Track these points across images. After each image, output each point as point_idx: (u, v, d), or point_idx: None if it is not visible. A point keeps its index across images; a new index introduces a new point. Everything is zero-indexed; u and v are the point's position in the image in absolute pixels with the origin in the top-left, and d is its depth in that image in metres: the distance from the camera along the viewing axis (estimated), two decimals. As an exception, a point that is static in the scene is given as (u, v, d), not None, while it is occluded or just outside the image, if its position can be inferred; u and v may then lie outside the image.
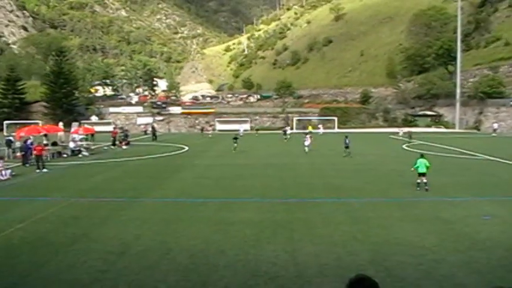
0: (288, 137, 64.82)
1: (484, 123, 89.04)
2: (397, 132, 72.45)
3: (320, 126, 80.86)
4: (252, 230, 17.72)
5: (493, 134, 74.04)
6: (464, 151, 46.36)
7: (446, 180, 30.06)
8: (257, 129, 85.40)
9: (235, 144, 47.93)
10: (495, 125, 79.51)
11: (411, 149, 50.32)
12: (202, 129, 77.80)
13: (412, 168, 25.98)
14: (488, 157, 42.12)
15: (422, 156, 26.28)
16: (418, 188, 25.43)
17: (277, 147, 54.38)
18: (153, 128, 72.37)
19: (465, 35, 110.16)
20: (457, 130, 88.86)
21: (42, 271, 13.53)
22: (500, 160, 40.25)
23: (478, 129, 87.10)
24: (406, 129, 71.59)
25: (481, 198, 23.91)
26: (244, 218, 19.57)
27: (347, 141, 42.38)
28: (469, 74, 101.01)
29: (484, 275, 13.04)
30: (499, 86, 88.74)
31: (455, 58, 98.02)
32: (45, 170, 34.36)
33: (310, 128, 59.36)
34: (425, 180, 25.34)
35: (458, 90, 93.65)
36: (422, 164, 25.40)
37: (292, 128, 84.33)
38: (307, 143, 45.87)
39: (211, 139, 64.12)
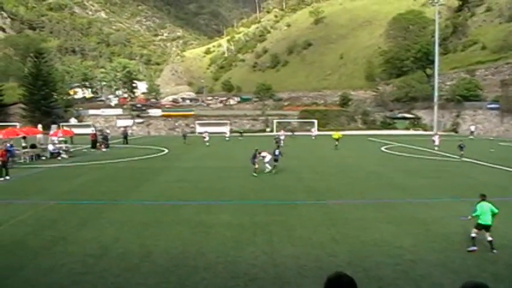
0: (281, 144, 55.56)
1: (462, 125, 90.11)
2: (433, 141, 54.37)
3: (313, 130, 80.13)
4: (232, 232, 17.82)
5: (470, 137, 74.83)
6: (442, 153, 46.86)
7: (423, 181, 30.44)
8: (241, 132, 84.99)
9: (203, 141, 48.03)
10: (472, 128, 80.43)
11: (390, 151, 50.81)
12: (184, 136, 67.93)
13: (470, 217, 16.23)
14: (466, 159, 42.66)
15: (484, 198, 16.22)
16: (474, 248, 15.53)
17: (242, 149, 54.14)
18: (125, 131, 71.27)
19: (443, 39, 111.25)
20: (435, 132, 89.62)
21: (21, 274, 13.48)
22: (477, 162, 40.81)
23: (456, 132, 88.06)
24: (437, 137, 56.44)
25: (457, 200, 24.24)
26: (224, 220, 19.66)
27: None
28: (447, 77, 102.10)
29: (459, 274, 13.29)
30: (476, 89, 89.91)
31: (433, 61, 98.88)
32: (7, 178, 32.17)
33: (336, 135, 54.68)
34: (490, 238, 15.49)
35: (436, 93, 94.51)
36: (486, 211, 15.67)
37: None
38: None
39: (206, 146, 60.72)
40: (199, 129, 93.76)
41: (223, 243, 16.29)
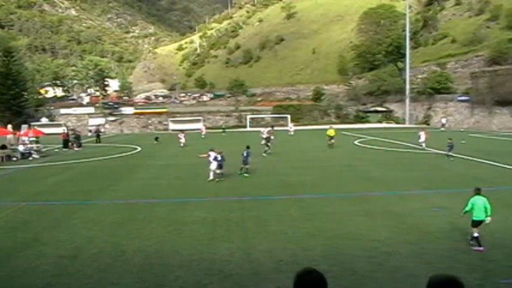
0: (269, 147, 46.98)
1: (433, 118, 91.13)
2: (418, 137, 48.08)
3: (291, 125, 79.30)
4: (206, 229, 17.71)
5: (442, 129, 75.74)
6: (414, 146, 47.24)
7: (397, 174, 30.69)
8: (224, 129, 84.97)
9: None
10: (443, 120, 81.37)
11: (363, 145, 51.11)
12: (156, 138, 63.91)
13: (462, 213, 15.51)
14: (438, 151, 43.08)
15: (478, 192, 15.40)
16: (481, 248, 14.83)
17: (237, 146, 53.80)
18: (97, 130, 70.21)
19: (414, 33, 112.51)
20: (407, 125, 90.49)
21: (-7, 277, 13.23)
22: (449, 154, 41.25)
23: (428, 124, 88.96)
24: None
25: (430, 191, 24.51)
26: (198, 218, 19.52)
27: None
28: (418, 70, 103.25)
29: (433, 265, 13.37)
30: (446, 81, 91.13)
31: (404, 55, 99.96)
32: None
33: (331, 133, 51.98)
34: (476, 234, 14.97)
35: (407, 86, 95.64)
36: (479, 206, 14.98)
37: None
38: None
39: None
40: (172, 126, 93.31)
41: (197, 241, 16.17)
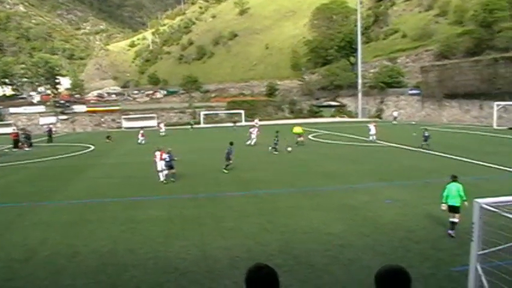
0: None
1: (385, 111, 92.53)
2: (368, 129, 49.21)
3: (256, 120, 78.04)
4: (161, 227, 17.62)
5: (394, 122, 76.96)
6: (367, 139, 47.83)
7: (350, 167, 31.04)
8: (192, 124, 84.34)
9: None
10: (395, 113, 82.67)
11: (317, 139, 51.48)
12: (108, 137, 61.71)
13: (443, 204, 15.84)
14: (390, 144, 43.80)
15: (454, 179, 16.19)
16: (452, 232, 15.50)
17: (196, 143, 53.36)
18: (49, 129, 68.38)
19: (365, 28, 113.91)
20: (359, 119, 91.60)
21: None
22: (400, 146, 42.03)
23: (380, 118, 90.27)
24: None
25: (383, 184, 24.90)
26: (153, 216, 19.38)
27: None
28: (370, 65, 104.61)
29: (387, 256, 13.64)
30: (397, 76, 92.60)
31: (356, 50, 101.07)
32: None
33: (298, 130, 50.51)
34: (456, 220, 15.46)
35: (359, 81, 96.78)
36: (454, 192, 15.69)
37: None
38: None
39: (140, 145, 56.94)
40: (125, 124, 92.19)
41: (152, 239, 16.07)
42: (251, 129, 47.55)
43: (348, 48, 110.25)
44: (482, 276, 8.76)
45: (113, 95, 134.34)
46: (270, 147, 41.23)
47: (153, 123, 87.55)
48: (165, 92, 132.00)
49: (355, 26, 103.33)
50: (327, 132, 60.40)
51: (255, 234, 16.36)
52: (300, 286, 11.86)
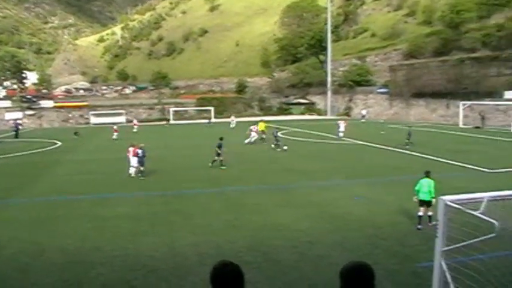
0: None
1: (354, 109, 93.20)
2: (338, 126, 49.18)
3: (233, 117, 77.09)
4: (130, 224, 17.51)
5: (362, 120, 77.61)
6: (336, 137, 48.09)
7: (319, 165, 31.26)
8: (167, 120, 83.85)
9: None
10: (364, 112, 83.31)
11: (286, 136, 51.61)
12: (76, 133, 60.13)
13: (415, 198, 16.62)
14: (358, 142, 44.20)
15: (427, 175, 17.00)
16: (420, 226, 16.07)
17: (169, 140, 52.83)
18: (16, 124, 66.87)
19: (335, 26, 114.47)
20: (328, 117, 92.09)
21: None
22: (368, 144, 42.46)
23: (349, 116, 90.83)
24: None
25: (351, 181, 25.17)
26: (121, 213, 19.25)
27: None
28: (339, 63, 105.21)
29: (354, 252, 13.79)
30: (366, 74, 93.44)
31: (326, 48, 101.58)
32: None
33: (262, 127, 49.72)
34: (430, 213, 16.16)
35: (329, 79, 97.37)
36: (425, 187, 16.47)
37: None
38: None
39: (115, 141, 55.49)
40: (94, 120, 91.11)
41: (120, 236, 15.97)
42: (251, 127, 46.70)
43: (318, 47, 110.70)
44: (447, 272, 8.91)
45: (81, 91, 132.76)
46: (272, 144, 41.34)
47: (121, 119, 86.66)
48: (134, 88, 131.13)
49: (325, 24, 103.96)
50: (296, 129, 60.60)
51: (223, 231, 16.38)
52: (268, 283, 11.92)
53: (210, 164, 30.77)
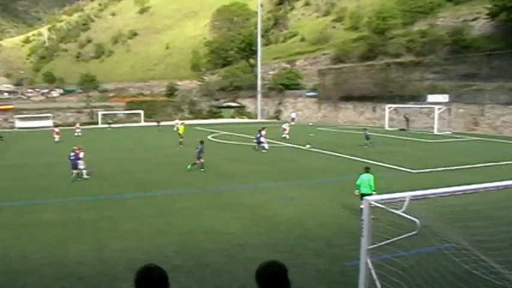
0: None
1: (284, 113, 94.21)
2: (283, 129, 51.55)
3: (177, 120, 75.61)
4: (56, 231, 17.00)
5: (292, 123, 78.46)
6: (266, 140, 48.43)
7: (249, 168, 31.43)
8: (110, 123, 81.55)
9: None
10: (293, 115, 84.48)
11: (216, 140, 51.67)
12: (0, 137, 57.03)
13: (356, 191, 17.99)
14: (287, 144, 44.73)
15: (367, 170, 18.51)
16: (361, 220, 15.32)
17: (104, 144, 51.47)
18: None
19: (265, 30, 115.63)
20: (259, 120, 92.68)
21: None
22: (296, 146, 43.07)
23: (278, 119, 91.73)
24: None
25: (281, 183, 25.42)
26: (48, 220, 18.65)
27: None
28: (269, 67, 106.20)
29: (284, 254, 13.88)
30: (296, 78, 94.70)
31: (256, 52, 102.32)
32: None
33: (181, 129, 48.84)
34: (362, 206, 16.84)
35: (259, 82, 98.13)
36: (365, 182, 17.86)
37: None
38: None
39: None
40: (19, 124, 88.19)
41: (47, 244, 15.49)
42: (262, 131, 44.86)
43: (248, 50, 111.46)
44: (372, 269, 9.17)
45: (5, 93, 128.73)
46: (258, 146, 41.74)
47: (48, 123, 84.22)
48: (61, 91, 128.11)
49: (255, 28, 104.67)
50: (226, 133, 60.69)
51: (152, 235, 16.22)
52: (199, 286, 11.90)
53: (189, 167, 30.61)
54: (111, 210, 20.10)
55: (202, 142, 31.92)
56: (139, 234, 16.37)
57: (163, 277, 3.88)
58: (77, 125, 68.19)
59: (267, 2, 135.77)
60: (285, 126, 49.54)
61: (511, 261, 10.24)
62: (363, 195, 16.50)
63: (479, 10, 72.19)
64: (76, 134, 62.59)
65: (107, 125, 79.12)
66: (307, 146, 41.76)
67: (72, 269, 13.23)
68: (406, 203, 8.60)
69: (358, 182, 17.96)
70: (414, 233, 8.18)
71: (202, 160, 30.89)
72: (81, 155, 28.54)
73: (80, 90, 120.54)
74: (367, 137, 42.69)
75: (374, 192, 16.62)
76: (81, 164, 28.19)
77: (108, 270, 13.10)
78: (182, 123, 50.79)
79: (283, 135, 48.54)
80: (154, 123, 77.42)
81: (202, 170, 30.45)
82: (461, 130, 59.24)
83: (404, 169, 29.48)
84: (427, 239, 10.60)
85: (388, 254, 10.21)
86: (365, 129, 45.06)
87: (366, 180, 17.79)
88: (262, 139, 41.81)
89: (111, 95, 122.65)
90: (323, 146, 42.00)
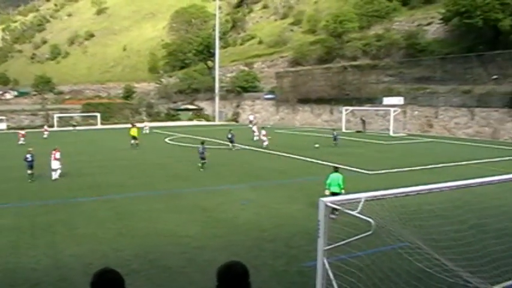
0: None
1: (242, 115, 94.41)
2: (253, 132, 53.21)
3: (146, 123, 74.69)
4: (9, 237, 16.61)
5: (250, 125, 78.60)
6: (223, 142, 48.38)
7: (206, 170, 31.31)
8: (74, 125, 79.85)
9: None
10: (251, 117, 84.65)
11: (174, 142, 51.44)
12: None
13: (327, 190, 18.32)
14: (245, 146, 44.82)
15: (336, 170, 19.38)
16: (333, 216, 15.00)
17: (71, 146, 50.39)
18: None
19: (223, 33, 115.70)
20: (217, 122, 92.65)
21: None
22: (254, 149, 43.27)
23: (236, 121, 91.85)
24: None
25: (238, 186, 25.52)
26: (1, 225, 18.19)
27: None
28: (227, 69, 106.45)
29: (241, 256, 13.83)
30: (254, 80, 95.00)
31: (214, 54, 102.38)
32: None
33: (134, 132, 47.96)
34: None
35: (217, 85, 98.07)
36: (335, 181, 18.67)
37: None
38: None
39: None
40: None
41: (0, 250, 15.14)
42: (261, 131, 46.91)
43: (206, 53, 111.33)
44: (329, 270, 9.25)
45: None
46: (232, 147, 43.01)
47: (2, 126, 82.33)
48: (15, 93, 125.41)
49: (213, 30, 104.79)
50: (183, 135, 60.40)
51: (110, 239, 16.04)
52: (157, 290, 11.85)
53: (201, 169, 31.25)
54: (66, 214, 19.70)
55: (203, 143, 32.61)
56: (96, 238, 16.15)
57: (119, 280, 3.88)
58: (45, 127, 66.80)
59: (225, 5, 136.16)
60: (263, 131, 47.42)
61: (463, 259, 10.51)
62: (332, 194, 17.40)
63: (433, 15, 73.99)
64: (44, 136, 61.33)
65: (71, 128, 77.82)
66: (316, 145, 43.13)
67: (26, 275, 12.96)
68: (361, 204, 8.71)
69: (328, 181, 18.69)
70: (369, 233, 8.30)
71: (205, 161, 31.88)
72: (58, 155, 28.44)
73: (35, 93, 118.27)
74: (335, 138, 44.65)
75: (343, 191, 17.64)
76: (56, 164, 28.16)
77: (64, 276, 12.90)
78: (134, 126, 49.69)
79: (265, 144, 46.71)
80: (70, 128, 76.35)
81: (202, 169, 31.11)
82: (416, 132, 60.62)
83: (361, 170, 29.92)
84: (382, 239, 10.78)
85: (344, 254, 10.36)
86: (334, 130, 47.30)
87: (335, 179, 18.64)
88: (263, 137, 44.87)
89: (67, 97, 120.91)
90: (281, 148, 42.21)
